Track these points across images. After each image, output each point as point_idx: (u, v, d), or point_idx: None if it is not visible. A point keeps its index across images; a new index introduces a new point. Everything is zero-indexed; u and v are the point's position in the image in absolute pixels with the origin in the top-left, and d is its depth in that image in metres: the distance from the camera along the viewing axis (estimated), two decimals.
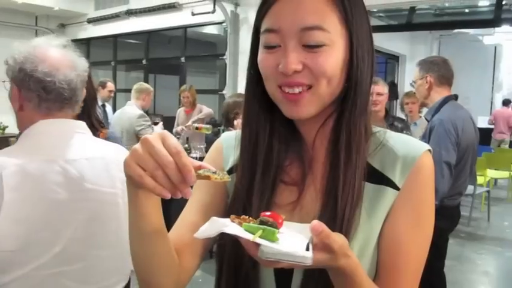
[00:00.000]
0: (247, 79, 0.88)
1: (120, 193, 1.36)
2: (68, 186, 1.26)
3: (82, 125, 1.40)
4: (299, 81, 0.77)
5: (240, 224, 0.65)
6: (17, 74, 1.27)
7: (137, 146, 0.67)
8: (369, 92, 0.83)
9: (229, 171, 0.89)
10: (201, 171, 0.67)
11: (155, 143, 0.65)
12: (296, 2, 0.76)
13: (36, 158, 1.25)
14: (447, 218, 2.79)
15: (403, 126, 3.76)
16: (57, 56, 1.30)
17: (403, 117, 5.14)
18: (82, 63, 1.36)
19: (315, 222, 0.61)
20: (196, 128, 4.86)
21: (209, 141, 5.90)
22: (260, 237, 0.61)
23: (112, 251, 1.36)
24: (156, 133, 0.68)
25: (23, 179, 1.20)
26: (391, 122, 3.68)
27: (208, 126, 4.88)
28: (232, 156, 0.92)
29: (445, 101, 2.85)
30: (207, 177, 0.67)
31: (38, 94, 1.27)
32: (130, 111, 4.66)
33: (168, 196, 0.66)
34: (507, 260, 5.06)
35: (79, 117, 2.00)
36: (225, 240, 0.67)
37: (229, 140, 0.95)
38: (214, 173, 0.68)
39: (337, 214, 0.77)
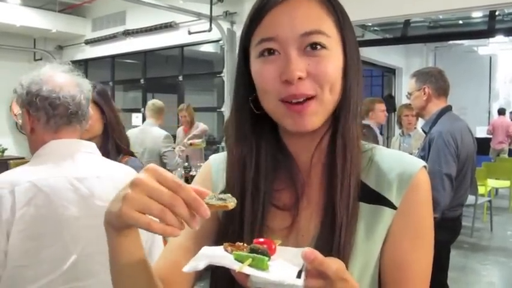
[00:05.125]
0: (234, 100, 0.85)
1: None
2: (78, 203, 1.31)
3: (91, 145, 1.47)
4: (304, 92, 0.74)
5: (232, 252, 0.64)
6: (24, 98, 1.35)
7: (129, 191, 0.60)
8: (360, 97, 0.82)
9: None
10: (207, 199, 0.63)
11: (151, 183, 0.60)
12: (291, 9, 0.75)
13: (48, 175, 1.30)
14: (449, 230, 2.77)
15: (374, 135, 3.77)
16: (61, 78, 1.38)
17: (399, 128, 5.16)
18: (86, 84, 1.45)
19: (307, 249, 0.58)
20: (190, 144, 4.87)
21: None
22: (250, 265, 0.60)
23: None
24: (144, 172, 0.62)
25: (34, 195, 1.24)
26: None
27: (199, 140, 4.88)
28: (222, 180, 0.88)
29: (442, 112, 2.86)
30: (224, 207, 0.63)
31: (45, 111, 1.34)
32: (154, 131, 4.63)
33: (179, 234, 0.61)
34: None
35: (102, 140, 2.06)
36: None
37: (218, 163, 0.91)
38: (224, 200, 0.64)
39: (335, 235, 0.74)
